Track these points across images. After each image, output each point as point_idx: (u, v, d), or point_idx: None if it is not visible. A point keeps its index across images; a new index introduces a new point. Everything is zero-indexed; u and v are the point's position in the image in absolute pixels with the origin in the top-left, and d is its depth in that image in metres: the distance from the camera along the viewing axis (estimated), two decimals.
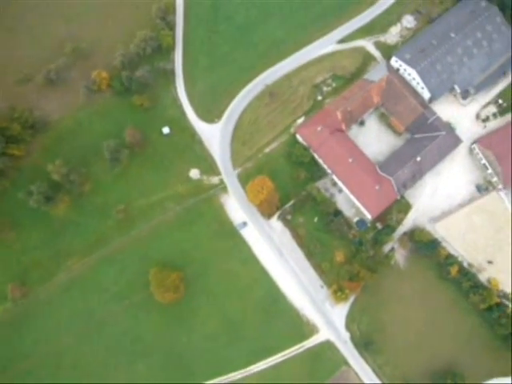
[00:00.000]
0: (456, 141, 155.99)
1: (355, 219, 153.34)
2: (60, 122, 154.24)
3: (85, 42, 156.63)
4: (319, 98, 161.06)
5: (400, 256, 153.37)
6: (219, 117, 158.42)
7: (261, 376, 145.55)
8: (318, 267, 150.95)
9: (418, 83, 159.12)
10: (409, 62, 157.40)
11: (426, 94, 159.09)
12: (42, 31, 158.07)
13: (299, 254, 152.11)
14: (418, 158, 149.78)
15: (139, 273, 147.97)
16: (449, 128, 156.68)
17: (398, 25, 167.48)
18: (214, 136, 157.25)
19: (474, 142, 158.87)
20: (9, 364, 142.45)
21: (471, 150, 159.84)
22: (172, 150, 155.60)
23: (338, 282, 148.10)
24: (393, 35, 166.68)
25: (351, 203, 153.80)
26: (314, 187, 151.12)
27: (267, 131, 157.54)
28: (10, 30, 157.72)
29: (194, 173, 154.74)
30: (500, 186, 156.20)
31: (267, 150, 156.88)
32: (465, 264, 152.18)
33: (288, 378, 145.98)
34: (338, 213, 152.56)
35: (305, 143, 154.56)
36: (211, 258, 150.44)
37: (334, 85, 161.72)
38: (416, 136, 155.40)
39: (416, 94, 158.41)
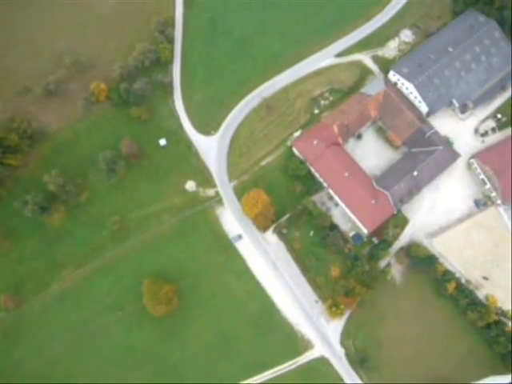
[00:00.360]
0: (454, 155, 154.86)
1: (351, 233, 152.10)
2: (58, 133, 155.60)
3: (84, 54, 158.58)
4: (316, 111, 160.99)
5: (396, 271, 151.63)
6: (216, 129, 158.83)
7: None
8: (313, 282, 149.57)
9: (415, 97, 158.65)
10: (406, 76, 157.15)
11: (424, 108, 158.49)
12: (42, 44, 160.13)
13: (294, 268, 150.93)
14: (415, 173, 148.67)
15: (133, 284, 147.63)
16: (446, 142, 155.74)
17: (396, 39, 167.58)
18: (211, 148, 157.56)
19: (473, 157, 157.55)
20: (0, 374, 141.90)
21: (469, 165, 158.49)
22: (168, 161, 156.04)
23: (333, 297, 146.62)
24: (391, 49, 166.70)
25: (347, 217, 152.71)
26: (310, 201, 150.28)
27: (264, 144, 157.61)
28: (11, 41, 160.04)
29: (190, 185, 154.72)
30: (499, 201, 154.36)
31: (263, 162, 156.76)
32: (462, 280, 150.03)
33: None
34: (333, 227, 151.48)
35: (301, 156, 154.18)
36: (206, 271, 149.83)
37: (331, 98, 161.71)
38: (413, 150, 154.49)
39: (413, 108, 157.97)
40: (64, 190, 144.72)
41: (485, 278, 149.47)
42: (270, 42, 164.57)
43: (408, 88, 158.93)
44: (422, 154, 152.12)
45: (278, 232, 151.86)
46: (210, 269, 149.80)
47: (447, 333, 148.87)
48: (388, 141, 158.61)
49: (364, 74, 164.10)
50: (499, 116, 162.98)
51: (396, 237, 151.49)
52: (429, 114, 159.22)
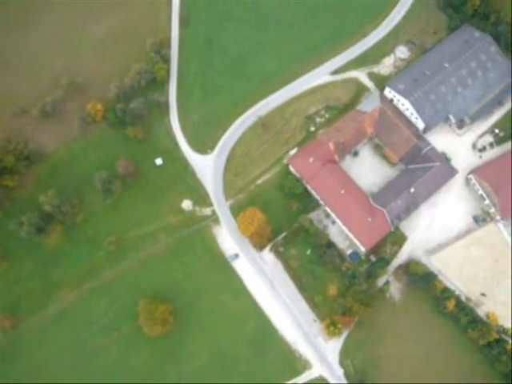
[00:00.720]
0: (451, 171, 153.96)
1: (349, 251, 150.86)
2: (55, 154, 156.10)
3: (81, 75, 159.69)
4: (312, 128, 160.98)
5: (395, 289, 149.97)
6: (212, 148, 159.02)
7: None
8: (310, 300, 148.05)
9: (411, 113, 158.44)
10: (402, 93, 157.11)
11: (421, 125, 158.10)
12: (39, 65, 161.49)
13: (291, 286, 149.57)
14: (412, 190, 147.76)
15: (129, 304, 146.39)
16: (443, 158, 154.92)
17: (392, 55, 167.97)
18: (207, 167, 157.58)
19: (471, 173, 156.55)
20: None
21: (468, 181, 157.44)
22: (165, 181, 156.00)
23: (331, 316, 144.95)
24: (386, 66, 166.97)
25: (344, 235, 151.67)
26: (307, 219, 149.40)
27: (260, 162, 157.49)
28: (8, 63, 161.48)
29: (187, 204, 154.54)
30: (498, 217, 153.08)
31: (260, 181, 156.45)
32: (462, 298, 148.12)
33: None
34: (331, 245, 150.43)
35: (297, 174, 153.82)
36: (202, 290, 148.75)
37: (327, 116, 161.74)
38: (410, 167, 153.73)
39: (410, 125, 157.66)
40: (60, 211, 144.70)
41: (483, 295, 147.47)
42: (266, 60, 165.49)
43: (404, 104, 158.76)
44: (419, 171, 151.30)
45: (275, 250, 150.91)
46: (207, 288, 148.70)
47: (448, 351, 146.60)
48: (385, 158, 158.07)
49: (360, 91, 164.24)
50: (497, 131, 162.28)
51: (394, 254, 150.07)
52: (425, 130, 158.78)
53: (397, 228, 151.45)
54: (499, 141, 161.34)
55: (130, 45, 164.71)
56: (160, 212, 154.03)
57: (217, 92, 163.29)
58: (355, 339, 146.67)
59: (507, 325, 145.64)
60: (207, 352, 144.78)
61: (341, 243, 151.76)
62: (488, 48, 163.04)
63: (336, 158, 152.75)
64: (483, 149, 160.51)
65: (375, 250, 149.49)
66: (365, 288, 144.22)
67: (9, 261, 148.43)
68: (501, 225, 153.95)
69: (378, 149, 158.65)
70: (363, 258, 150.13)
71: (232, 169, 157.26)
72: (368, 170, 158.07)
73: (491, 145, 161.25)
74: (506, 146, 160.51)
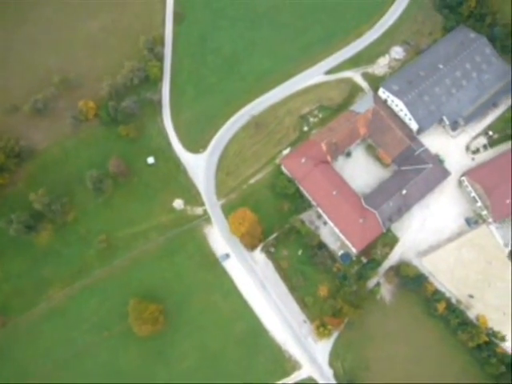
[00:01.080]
0: (444, 173, 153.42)
1: (340, 252, 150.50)
2: (46, 151, 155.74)
3: (73, 72, 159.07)
4: (305, 128, 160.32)
5: (386, 291, 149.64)
6: (204, 147, 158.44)
7: None
8: (301, 301, 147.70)
9: (405, 114, 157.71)
10: (396, 94, 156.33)
11: (414, 126, 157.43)
12: (32, 62, 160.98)
13: (282, 287, 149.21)
14: (404, 191, 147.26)
15: (120, 303, 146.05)
16: (436, 160, 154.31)
17: (387, 56, 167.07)
18: (199, 166, 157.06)
19: (464, 175, 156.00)
20: None
21: (460, 183, 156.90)
22: (156, 180, 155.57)
23: (321, 317, 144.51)
24: (381, 66, 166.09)
25: (336, 236, 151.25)
26: (298, 219, 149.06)
27: (252, 162, 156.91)
28: (1, 59, 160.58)
29: (178, 203, 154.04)
30: (490, 220, 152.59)
31: (252, 181, 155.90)
32: (453, 300, 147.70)
33: None
34: (322, 246, 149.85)
35: (289, 174, 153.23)
36: (193, 290, 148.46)
37: (320, 116, 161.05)
38: (403, 168, 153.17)
39: (403, 126, 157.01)
40: (50, 209, 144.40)
41: (470, 296, 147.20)
42: (260, 59, 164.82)
43: (398, 105, 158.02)
44: (412, 172, 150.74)
45: (266, 251, 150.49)
46: (198, 288, 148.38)
47: (438, 353, 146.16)
48: (378, 159, 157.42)
49: (354, 91, 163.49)
50: (491, 133, 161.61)
51: (385, 256, 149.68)
52: (419, 131, 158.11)
53: (388, 229, 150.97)
54: (493, 143, 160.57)
55: (123, 42, 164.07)
56: (151, 211, 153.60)
57: (210, 91, 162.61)
58: (345, 340, 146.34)
59: (497, 328, 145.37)
60: (197, 352, 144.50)
61: (332, 244, 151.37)
62: (483, 49, 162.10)
63: (328, 158, 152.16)
64: (477, 151, 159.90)
65: (366, 251, 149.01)
66: (355, 289, 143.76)
67: None
68: (493, 227, 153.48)
69: (371, 150, 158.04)
70: (354, 259, 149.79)
71: (224, 168, 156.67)
72: (361, 171, 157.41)
73: (485, 147, 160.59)
74: (500, 149, 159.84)
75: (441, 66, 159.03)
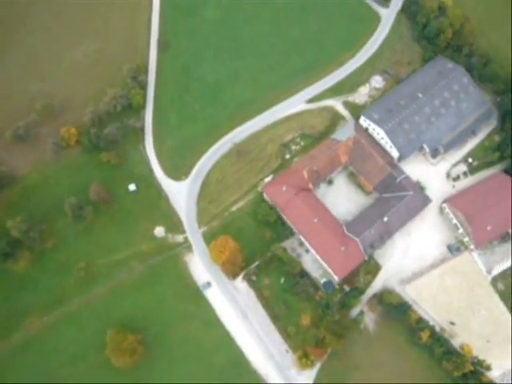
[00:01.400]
0: (425, 200, 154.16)
1: (322, 280, 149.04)
2: (27, 178, 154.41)
3: (56, 99, 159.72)
4: (287, 156, 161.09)
5: (370, 320, 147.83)
6: (187, 174, 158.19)
7: None
8: (283, 331, 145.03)
9: (386, 142, 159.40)
10: (377, 122, 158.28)
11: (395, 153, 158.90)
12: (16, 88, 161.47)
13: (264, 316, 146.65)
14: (385, 219, 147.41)
15: (98, 333, 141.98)
16: (417, 187, 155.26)
17: (367, 85, 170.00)
18: (181, 193, 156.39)
19: (445, 202, 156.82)
20: None
21: (442, 210, 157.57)
22: (138, 207, 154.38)
23: (303, 347, 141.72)
24: (361, 95, 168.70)
25: (318, 264, 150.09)
26: (280, 247, 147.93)
27: (234, 189, 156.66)
28: None
29: (159, 231, 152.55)
30: (472, 247, 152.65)
31: (234, 208, 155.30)
32: (437, 328, 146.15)
33: None
34: (304, 274, 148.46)
35: (271, 202, 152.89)
36: (173, 320, 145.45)
37: (302, 143, 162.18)
38: (384, 195, 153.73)
39: (384, 154, 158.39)
40: (28, 236, 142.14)
41: (452, 323, 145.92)
42: (242, 88, 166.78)
43: (379, 133, 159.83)
44: (393, 200, 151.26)
45: (248, 279, 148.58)
46: (178, 317, 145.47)
47: (424, 383, 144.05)
48: (360, 186, 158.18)
49: (335, 119, 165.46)
50: (470, 160, 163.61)
51: (368, 284, 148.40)
52: (400, 158, 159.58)
53: (371, 257, 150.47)
54: (472, 170, 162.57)
55: (107, 70, 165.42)
56: (132, 238, 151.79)
57: (193, 118, 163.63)
58: (329, 371, 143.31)
59: (482, 356, 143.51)
60: None
61: (314, 272, 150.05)
62: (461, 79, 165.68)
63: (310, 186, 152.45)
64: (457, 178, 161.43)
65: (349, 279, 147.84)
66: (338, 318, 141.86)
67: None
68: (475, 254, 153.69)
69: (353, 177, 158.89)
70: (337, 287, 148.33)
71: (206, 195, 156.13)
72: (343, 198, 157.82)
73: (465, 174, 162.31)
74: (480, 176, 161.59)
75: (420, 95, 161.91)
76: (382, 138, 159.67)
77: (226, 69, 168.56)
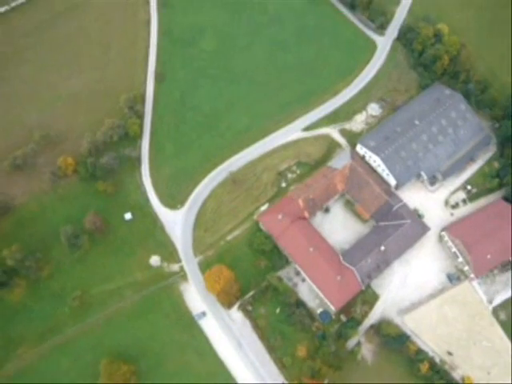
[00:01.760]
0: (423, 228, 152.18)
1: (319, 310, 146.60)
2: (24, 207, 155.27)
3: (54, 129, 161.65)
4: (283, 184, 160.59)
5: (367, 350, 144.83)
6: (182, 203, 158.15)
7: None
8: (279, 362, 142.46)
9: (383, 170, 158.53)
10: (373, 150, 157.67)
11: (392, 181, 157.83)
12: (14, 118, 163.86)
13: (260, 347, 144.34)
14: (382, 248, 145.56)
15: (92, 363, 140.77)
16: (415, 216, 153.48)
17: (364, 113, 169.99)
18: (177, 222, 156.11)
19: (443, 230, 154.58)
20: None
21: (441, 238, 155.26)
22: (133, 236, 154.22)
23: (299, 378, 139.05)
24: (358, 123, 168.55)
25: (315, 294, 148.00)
26: (275, 277, 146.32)
27: (230, 218, 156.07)
28: None
29: (155, 260, 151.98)
30: (472, 275, 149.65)
31: (229, 237, 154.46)
32: (436, 360, 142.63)
33: None
34: (300, 304, 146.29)
35: (267, 231, 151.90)
36: (167, 350, 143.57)
37: (298, 172, 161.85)
38: (381, 224, 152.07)
39: (381, 181, 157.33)
40: (24, 265, 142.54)
41: (449, 354, 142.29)
42: (238, 117, 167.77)
43: (376, 161, 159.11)
44: (390, 228, 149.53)
45: (243, 309, 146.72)
46: (172, 348, 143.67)
47: None
48: (356, 214, 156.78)
49: (332, 147, 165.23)
50: (469, 187, 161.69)
51: (365, 314, 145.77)
52: (397, 186, 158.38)
53: (368, 286, 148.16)
54: (472, 197, 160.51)
55: (104, 100, 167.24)
56: (127, 268, 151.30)
57: (189, 147, 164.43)
58: None
59: None
60: None
61: (311, 302, 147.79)
62: (458, 105, 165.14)
63: (306, 214, 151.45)
64: (456, 205, 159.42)
65: (346, 309, 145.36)
66: (334, 350, 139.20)
67: None
68: (475, 283, 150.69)
69: (350, 205, 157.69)
70: (334, 317, 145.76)
71: (202, 224, 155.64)
72: (339, 227, 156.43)
73: (464, 201, 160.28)
74: (479, 203, 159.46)
75: (417, 122, 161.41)
76: (379, 166, 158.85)
77: (222, 98, 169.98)
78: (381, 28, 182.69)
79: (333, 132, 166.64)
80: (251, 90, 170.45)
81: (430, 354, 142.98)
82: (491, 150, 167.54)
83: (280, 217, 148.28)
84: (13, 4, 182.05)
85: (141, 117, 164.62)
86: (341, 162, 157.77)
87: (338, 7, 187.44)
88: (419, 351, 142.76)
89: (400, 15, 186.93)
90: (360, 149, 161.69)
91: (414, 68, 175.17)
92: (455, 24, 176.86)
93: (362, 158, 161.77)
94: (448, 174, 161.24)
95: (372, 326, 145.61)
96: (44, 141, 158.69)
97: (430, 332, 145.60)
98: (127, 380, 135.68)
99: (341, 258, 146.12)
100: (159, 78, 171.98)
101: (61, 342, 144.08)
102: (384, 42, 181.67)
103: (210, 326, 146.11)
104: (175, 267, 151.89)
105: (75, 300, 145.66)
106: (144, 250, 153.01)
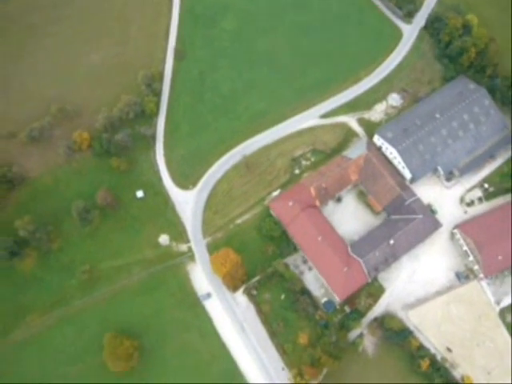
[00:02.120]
0: (435, 224, 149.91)
1: (323, 300, 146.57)
2: (38, 179, 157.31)
3: (71, 103, 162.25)
4: (297, 171, 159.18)
5: (369, 343, 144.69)
6: (195, 184, 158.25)
7: None
8: (280, 348, 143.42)
9: (399, 162, 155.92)
10: (390, 141, 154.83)
11: (408, 174, 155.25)
12: (33, 90, 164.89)
13: (262, 332, 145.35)
14: (391, 241, 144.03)
15: (97, 336, 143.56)
16: (428, 211, 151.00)
17: (384, 102, 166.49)
18: (188, 203, 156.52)
19: (456, 227, 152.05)
20: None
21: (453, 235, 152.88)
22: (144, 214, 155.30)
23: (299, 365, 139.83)
24: (377, 113, 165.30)
25: (320, 283, 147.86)
26: (282, 263, 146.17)
27: (241, 202, 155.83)
28: (2, 87, 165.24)
29: (164, 238, 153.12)
30: (481, 275, 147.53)
31: (239, 220, 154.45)
32: (438, 357, 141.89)
33: None
34: (305, 291, 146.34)
35: (277, 217, 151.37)
36: (171, 328, 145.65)
37: (312, 159, 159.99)
38: (393, 217, 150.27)
39: (396, 174, 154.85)
40: (35, 237, 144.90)
41: (449, 350, 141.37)
42: (256, 100, 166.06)
43: (392, 153, 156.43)
44: (401, 222, 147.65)
45: (248, 293, 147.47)
46: (176, 326, 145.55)
47: None
48: (368, 206, 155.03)
49: (349, 136, 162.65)
50: (486, 186, 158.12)
51: (369, 307, 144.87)
52: (412, 180, 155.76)
53: (375, 279, 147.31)
54: (488, 196, 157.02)
55: (123, 76, 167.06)
56: (136, 245, 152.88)
57: (205, 128, 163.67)
58: None
59: None
60: None
61: (316, 291, 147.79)
62: (482, 101, 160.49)
63: (317, 203, 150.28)
64: (471, 203, 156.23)
65: (351, 300, 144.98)
66: (335, 340, 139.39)
67: None
68: (484, 283, 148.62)
69: (362, 196, 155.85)
70: (338, 307, 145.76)
71: (212, 206, 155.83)
72: (350, 217, 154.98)
73: (480, 200, 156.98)
74: (495, 202, 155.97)
75: (438, 116, 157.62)
76: (395, 158, 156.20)
77: (240, 80, 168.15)
78: (408, 16, 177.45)
79: (351, 121, 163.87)
80: (271, 74, 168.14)
81: (432, 351, 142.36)
82: None
83: (291, 204, 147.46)
84: None
85: (158, 95, 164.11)
86: (356, 151, 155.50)
87: None
88: (421, 347, 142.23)
89: (429, 3, 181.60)
90: (377, 139, 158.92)
91: (439, 59, 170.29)
92: (485, 16, 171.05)
93: (379, 149, 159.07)
94: (465, 170, 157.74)
95: (375, 319, 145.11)
96: (60, 114, 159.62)
97: (433, 329, 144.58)
98: (130, 355, 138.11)
99: (349, 249, 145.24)
100: (179, 56, 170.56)
101: (68, 313, 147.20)
102: (410, 31, 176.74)
103: (214, 308, 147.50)
104: (183, 247, 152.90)
105: (84, 273, 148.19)
106: (154, 228, 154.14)
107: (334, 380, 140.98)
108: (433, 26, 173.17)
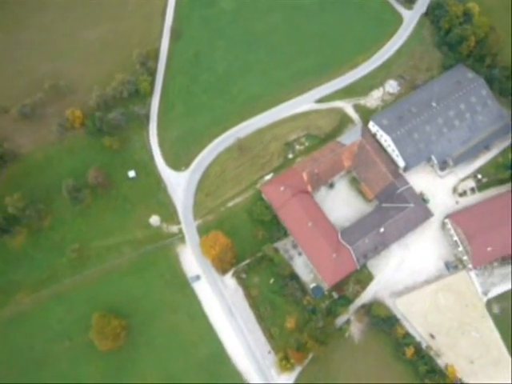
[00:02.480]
0: (426, 214, 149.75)
1: (312, 285, 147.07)
2: (29, 156, 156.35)
3: (65, 79, 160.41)
4: (290, 155, 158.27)
5: (356, 329, 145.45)
6: (187, 165, 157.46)
7: None
8: (267, 331, 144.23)
9: (393, 150, 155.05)
10: (385, 128, 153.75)
11: (401, 163, 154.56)
12: (26, 66, 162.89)
13: (250, 315, 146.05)
14: (382, 229, 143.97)
15: (85, 315, 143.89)
16: (419, 200, 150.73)
17: (381, 89, 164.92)
18: (179, 184, 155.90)
19: (447, 217, 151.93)
20: None
21: (444, 225, 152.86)
22: (135, 194, 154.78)
23: (285, 349, 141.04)
24: (374, 99, 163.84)
25: (310, 268, 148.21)
26: (271, 247, 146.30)
27: (233, 185, 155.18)
28: None
29: (155, 219, 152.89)
30: (470, 266, 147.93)
31: (230, 203, 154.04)
32: (423, 345, 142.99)
33: None
34: (294, 276, 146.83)
35: (268, 201, 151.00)
36: (159, 309, 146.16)
37: (306, 144, 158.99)
38: (384, 205, 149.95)
39: (389, 162, 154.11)
40: (25, 214, 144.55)
41: (432, 336, 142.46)
42: (252, 82, 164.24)
43: (386, 140, 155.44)
44: (392, 210, 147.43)
45: (237, 276, 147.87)
46: (164, 307, 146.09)
47: None
48: (361, 193, 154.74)
49: (344, 122, 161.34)
50: (479, 176, 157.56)
51: (357, 294, 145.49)
52: (406, 168, 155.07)
53: (364, 266, 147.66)
54: (481, 187, 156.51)
55: (118, 54, 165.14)
56: (127, 225, 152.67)
57: (199, 109, 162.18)
58: (309, 376, 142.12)
59: (466, 379, 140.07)
60: (157, 373, 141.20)
61: (305, 276, 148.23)
62: (480, 91, 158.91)
63: (309, 188, 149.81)
64: (463, 193, 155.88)
65: (339, 286, 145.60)
66: (322, 325, 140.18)
67: None
68: (472, 274, 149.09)
69: (355, 183, 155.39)
70: (326, 293, 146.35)
71: (204, 188, 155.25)
72: (342, 204, 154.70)
73: (472, 190, 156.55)
74: (487, 193, 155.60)
75: (434, 104, 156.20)
76: (389, 146, 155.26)
77: (237, 61, 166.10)
78: (410, 2, 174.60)
79: (346, 106, 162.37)
80: (267, 56, 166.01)
81: (418, 338, 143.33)
82: (508, 140, 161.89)
83: (282, 188, 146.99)
84: None
85: (152, 74, 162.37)
86: (351, 137, 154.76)
87: None
88: (407, 335, 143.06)
89: None
90: (372, 126, 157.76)
91: (438, 47, 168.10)
92: (487, 4, 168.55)
93: (373, 135, 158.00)
94: (460, 160, 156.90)
95: (363, 306, 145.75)
96: (53, 90, 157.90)
97: (420, 317, 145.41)
98: (117, 334, 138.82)
99: (339, 236, 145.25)
100: (175, 35, 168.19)
101: (57, 291, 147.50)
102: (411, 17, 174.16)
103: (202, 290, 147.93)
104: (174, 229, 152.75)
105: (74, 252, 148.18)
106: (145, 208, 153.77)
107: (320, 365, 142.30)
108: (434, 12, 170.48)
